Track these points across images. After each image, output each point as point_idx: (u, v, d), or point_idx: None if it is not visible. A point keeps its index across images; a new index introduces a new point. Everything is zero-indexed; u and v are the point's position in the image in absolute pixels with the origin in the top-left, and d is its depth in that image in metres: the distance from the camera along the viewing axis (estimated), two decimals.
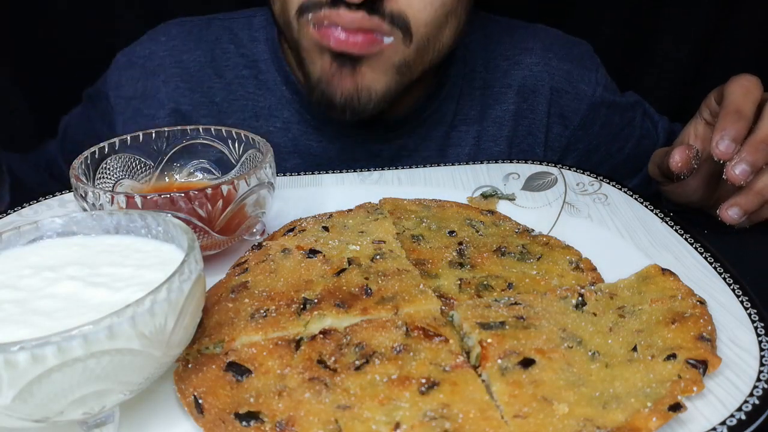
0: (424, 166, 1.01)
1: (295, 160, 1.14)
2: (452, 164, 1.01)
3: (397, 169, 1.01)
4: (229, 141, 0.86)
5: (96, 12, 1.42)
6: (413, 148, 1.15)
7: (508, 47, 1.19)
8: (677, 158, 0.89)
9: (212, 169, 0.88)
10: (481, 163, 1.01)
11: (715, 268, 0.73)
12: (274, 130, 1.14)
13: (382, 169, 1.00)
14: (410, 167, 1.01)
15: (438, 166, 1.01)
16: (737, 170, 0.82)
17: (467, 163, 1.01)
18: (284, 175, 0.98)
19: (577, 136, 1.21)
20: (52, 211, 0.89)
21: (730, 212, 0.86)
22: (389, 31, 0.91)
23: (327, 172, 0.99)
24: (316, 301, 0.66)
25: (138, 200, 0.70)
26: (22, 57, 1.43)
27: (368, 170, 1.00)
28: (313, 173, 0.99)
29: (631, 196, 0.89)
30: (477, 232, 0.83)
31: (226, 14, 1.20)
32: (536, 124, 1.19)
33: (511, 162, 1.01)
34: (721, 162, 0.84)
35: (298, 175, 0.99)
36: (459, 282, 0.73)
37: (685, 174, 0.91)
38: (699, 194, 0.97)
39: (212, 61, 1.16)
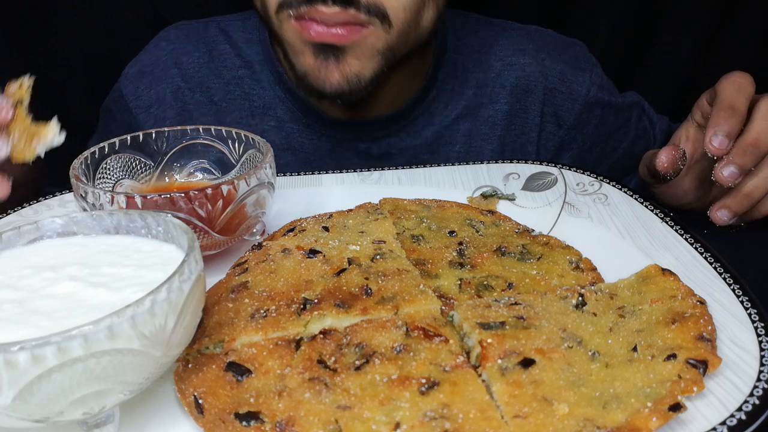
0: (424, 166, 1.01)
1: (289, 157, 1.17)
2: (452, 164, 1.01)
3: (397, 169, 1.01)
4: (229, 141, 0.86)
5: (95, 14, 1.42)
6: (403, 146, 1.17)
7: (502, 48, 1.19)
8: (663, 159, 0.90)
9: (212, 169, 0.88)
10: (482, 163, 1.01)
11: (715, 268, 0.73)
12: (268, 128, 1.17)
13: (382, 169, 1.00)
14: (410, 167, 1.01)
15: (438, 166, 1.01)
16: (725, 172, 0.83)
17: (467, 163, 1.01)
18: (284, 175, 0.98)
19: (571, 135, 1.21)
20: (52, 211, 0.89)
21: (720, 214, 0.87)
22: (367, 21, 0.93)
23: (327, 172, 0.99)
24: (316, 301, 0.66)
25: (138, 200, 0.70)
26: (23, 61, 1.43)
27: (368, 170, 1.00)
28: (313, 173, 0.99)
29: (631, 196, 0.89)
30: (477, 232, 0.83)
31: (222, 17, 1.23)
32: (529, 124, 1.20)
33: (511, 162, 1.01)
34: (714, 158, 0.84)
35: (298, 175, 0.99)
36: (459, 282, 0.73)
37: (671, 174, 0.91)
38: (691, 196, 0.98)
39: (210, 62, 1.18)
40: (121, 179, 0.84)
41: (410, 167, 1.01)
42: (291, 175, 0.99)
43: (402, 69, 1.09)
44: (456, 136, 1.18)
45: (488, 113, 1.19)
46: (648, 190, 1.05)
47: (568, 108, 1.19)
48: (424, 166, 1.01)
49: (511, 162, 1.01)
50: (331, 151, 1.17)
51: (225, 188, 0.72)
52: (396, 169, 1.01)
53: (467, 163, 1.01)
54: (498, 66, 1.18)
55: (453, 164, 1.01)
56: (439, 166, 1.01)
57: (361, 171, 1.00)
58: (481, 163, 1.01)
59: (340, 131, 1.15)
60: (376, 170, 1.00)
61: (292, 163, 1.16)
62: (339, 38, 0.93)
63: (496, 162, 1.01)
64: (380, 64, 0.99)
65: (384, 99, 1.13)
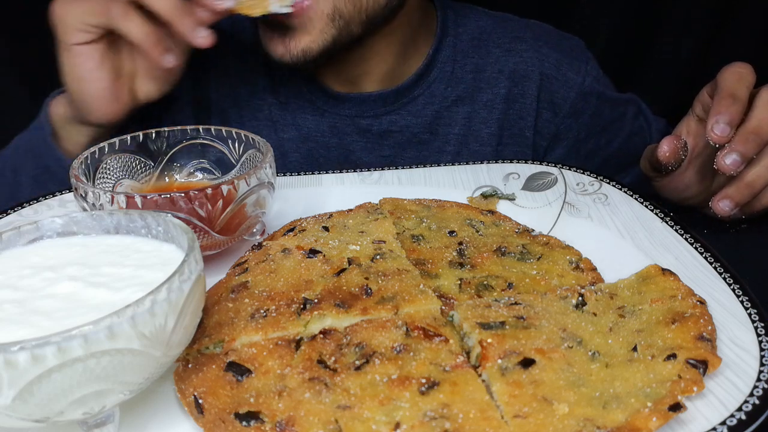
0: (424, 166, 1.02)
1: (293, 132, 1.21)
2: (452, 164, 1.01)
3: (397, 169, 1.01)
4: (229, 141, 0.86)
5: None
6: (404, 124, 1.20)
7: (501, 36, 1.22)
8: (665, 148, 0.90)
9: (212, 169, 0.88)
10: (481, 163, 1.01)
11: (715, 268, 0.73)
12: (278, 103, 1.22)
13: (382, 169, 1.01)
14: (410, 167, 1.01)
15: (438, 166, 1.01)
16: (728, 160, 0.83)
17: (467, 163, 1.01)
18: (284, 175, 0.98)
19: (566, 124, 1.23)
20: (52, 211, 0.89)
21: (722, 204, 0.87)
22: None
23: (327, 172, 0.99)
24: (316, 301, 0.66)
25: (138, 200, 0.70)
26: (23, 57, 1.44)
27: (368, 170, 1.00)
28: (313, 173, 0.99)
29: (631, 196, 0.89)
30: (477, 232, 0.83)
31: None
32: (526, 109, 1.22)
33: (511, 162, 1.01)
34: (716, 148, 0.84)
35: (299, 175, 0.99)
36: (459, 282, 0.73)
37: (673, 164, 0.91)
38: (693, 190, 0.97)
39: (234, 36, 1.23)
40: (121, 179, 0.84)
41: (410, 167, 1.01)
42: (291, 175, 0.99)
43: (384, 41, 1.12)
44: (455, 117, 1.21)
45: (487, 97, 1.21)
46: (647, 189, 1.05)
47: (563, 95, 1.21)
48: (424, 166, 1.02)
49: (511, 162, 1.01)
50: (333, 127, 1.20)
51: (225, 188, 0.72)
52: (396, 169, 1.01)
53: (467, 163, 1.01)
54: (497, 52, 1.21)
55: (453, 164, 1.01)
56: (439, 166, 1.01)
57: (361, 171, 1.00)
58: (481, 163, 1.01)
59: (342, 107, 1.19)
60: (376, 170, 1.00)
61: (295, 138, 1.20)
62: (284, 17, 0.97)
63: (496, 162, 1.02)
64: (331, 33, 1.01)
65: (373, 73, 1.16)
